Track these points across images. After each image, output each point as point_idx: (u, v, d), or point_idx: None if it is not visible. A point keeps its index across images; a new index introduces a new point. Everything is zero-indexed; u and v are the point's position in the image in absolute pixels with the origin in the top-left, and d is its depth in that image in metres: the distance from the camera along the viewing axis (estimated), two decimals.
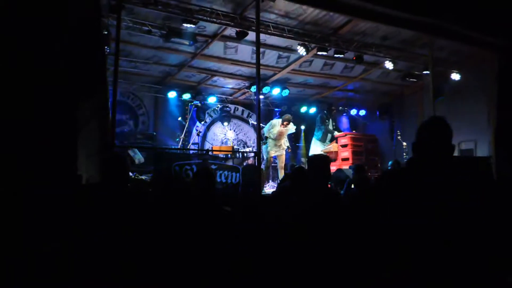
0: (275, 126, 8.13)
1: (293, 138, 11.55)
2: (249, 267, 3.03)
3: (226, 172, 5.81)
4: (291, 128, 8.25)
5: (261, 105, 10.90)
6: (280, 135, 8.12)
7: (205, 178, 2.94)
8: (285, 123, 8.03)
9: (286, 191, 4.41)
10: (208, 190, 2.91)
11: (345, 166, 7.83)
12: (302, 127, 11.36)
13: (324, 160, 2.95)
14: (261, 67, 8.86)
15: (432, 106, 8.59)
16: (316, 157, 3.18)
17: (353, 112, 11.20)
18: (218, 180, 5.74)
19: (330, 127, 8.96)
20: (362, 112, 11.71)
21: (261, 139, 6.31)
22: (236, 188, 5.73)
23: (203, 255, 2.61)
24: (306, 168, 3.02)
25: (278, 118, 8.60)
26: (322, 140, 8.69)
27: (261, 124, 6.45)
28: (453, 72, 9.43)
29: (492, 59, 8.89)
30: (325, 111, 9.11)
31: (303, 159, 10.80)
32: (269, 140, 8.14)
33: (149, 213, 3.28)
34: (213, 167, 5.76)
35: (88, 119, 5.05)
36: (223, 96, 10.54)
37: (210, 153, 7.15)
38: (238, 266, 2.88)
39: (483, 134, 9.06)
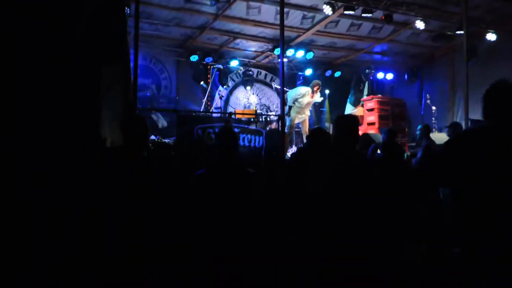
0: (305, 96, 7.80)
1: (317, 103, 11.32)
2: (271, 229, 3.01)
3: (249, 136, 5.75)
4: (317, 97, 7.97)
5: (284, 68, 10.73)
6: (307, 105, 7.88)
7: (228, 138, 2.87)
8: (315, 88, 7.70)
9: (304, 152, 4.34)
10: (231, 150, 2.85)
11: (371, 131, 7.64)
12: (327, 92, 11.06)
13: (352, 120, 2.82)
14: (285, 28, 8.59)
15: (465, 69, 8.21)
16: (344, 116, 3.04)
17: (380, 75, 10.77)
18: (241, 143, 5.69)
19: (366, 91, 8.66)
20: (390, 76, 11.26)
21: (284, 104, 6.14)
22: (259, 152, 5.67)
23: (229, 216, 2.59)
24: (332, 130, 2.89)
25: (302, 84, 8.21)
26: (355, 104, 8.45)
27: (285, 88, 6.29)
28: (488, 32, 8.86)
29: None
30: (361, 75, 8.78)
31: (327, 124, 10.59)
32: (294, 108, 7.89)
33: (171, 176, 3.27)
34: (236, 130, 5.70)
35: (111, 82, 5.04)
36: (246, 60, 10.32)
37: (232, 116, 7.08)
38: (261, 227, 2.86)
39: None
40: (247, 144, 5.76)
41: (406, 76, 11.05)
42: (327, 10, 7.07)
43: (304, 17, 8.06)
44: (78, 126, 4.51)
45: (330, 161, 2.64)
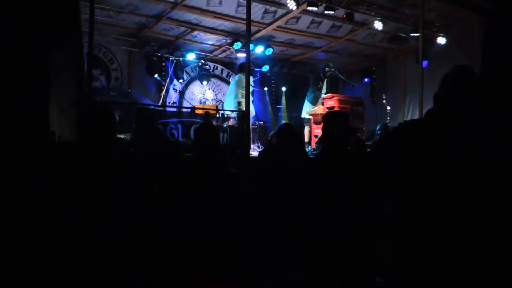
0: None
1: (274, 100, 11.22)
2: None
3: None
4: None
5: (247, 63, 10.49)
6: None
7: (209, 134, 2.57)
8: None
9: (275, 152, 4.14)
10: (213, 148, 2.56)
11: None
12: (283, 89, 11.00)
13: (346, 116, 2.65)
14: (243, 22, 8.34)
15: (416, 69, 8.47)
16: (336, 113, 2.86)
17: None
18: None
19: (324, 89, 8.61)
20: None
21: (249, 98, 5.91)
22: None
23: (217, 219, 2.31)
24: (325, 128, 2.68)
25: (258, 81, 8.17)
26: (313, 103, 8.38)
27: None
28: (439, 35, 9.24)
29: (479, 24, 8.80)
30: (319, 72, 8.72)
31: (283, 121, 10.52)
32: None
33: (141, 177, 2.91)
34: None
35: (61, 69, 4.51)
36: (202, 54, 9.93)
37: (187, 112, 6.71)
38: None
39: None
40: None
41: (359, 76, 11.28)
42: (291, 5, 6.92)
43: (266, 11, 7.86)
44: (21, 117, 3.98)
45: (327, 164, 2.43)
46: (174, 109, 7.33)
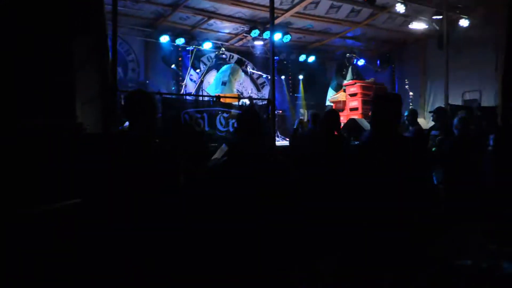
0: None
1: (291, 88, 11.04)
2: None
3: None
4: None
5: (258, 52, 10.32)
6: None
7: (254, 119, 2.44)
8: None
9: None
10: (258, 135, 2.43)
11: (354, 116, 7.44)
12: (300, 77, 10.82)
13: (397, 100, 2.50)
14: (262, 9, 8.19)
15: (437, 54, 8.25)
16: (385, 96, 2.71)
17: (361, 62, 10.59)
18: (231, 129, 5.25)
19: (349, 76, 8.42)
20: (361, 62, 11.18)
21: (274, 86, 5.75)
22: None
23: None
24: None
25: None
26: (337, 90, 8.21)
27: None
28: (462, 18, 8.95)
29: (503, 5, 8.49)
30: (344, 60, 8.53)
31: (302, 110, 10.35)
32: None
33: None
34: (225, 115, 5.25)
35: (85, 60, 4.40)
36: (219, 42, 9.76)
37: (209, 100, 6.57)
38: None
39: (489, 84, 8.79)
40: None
41: (378, 62, 11.03)
42: None
43: None
44: (47, 109, 3.89)
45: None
46: (198, 98, 7.19)
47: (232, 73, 8.16)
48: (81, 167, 2.73)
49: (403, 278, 2.40)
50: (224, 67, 8.86)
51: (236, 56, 10.38)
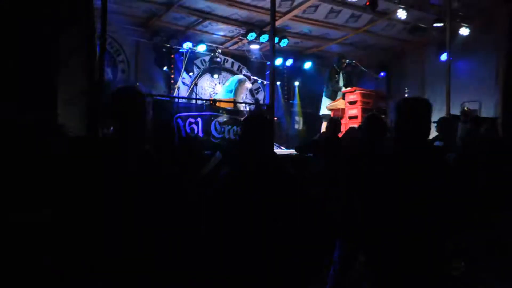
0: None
1: (286, 95, 10.74)
2: None
3: (235, 128, 4.96)
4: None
5: (253, 57, 9.99)
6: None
7: (263, 126, 2.09)
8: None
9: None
10: (267, 144, 2.08)
11: (353, 125, 7.14)
12: (296, 83, 10.53)
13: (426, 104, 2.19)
14: (260, 11, 7.89)
15: (436, 62, 8.03)
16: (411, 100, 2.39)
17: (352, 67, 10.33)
18: (227, 136, 4.91)
19: (341, 82, 8.11)
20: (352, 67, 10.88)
21: (273, 91, 5.41)
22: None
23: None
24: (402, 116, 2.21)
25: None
26: (332, 97, 7.89)
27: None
28: (462, 26, 8.76)
29: (504, 14, 8.37)
30: (334, 65, 8.24)
31: (297, 118, 10.05)
32: None
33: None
34: (221, 120, 4.90)
35: (70, 53, 4.04)
36: (213, 45, 9.42)
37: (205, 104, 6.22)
38: None
39: (489, 95, 8.60)
40: (232, 137, 4.97)
41: (376, 70, 10.79)
42: None
43: None
44: (27, 106, 3.51)
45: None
46: (192, 102, 6.82)
47: (240, 84, 7.79)
48: (59, 175, 2.37)
49: None
50: (233, 81, 8.30)
51: (230, 60, 10.04)
